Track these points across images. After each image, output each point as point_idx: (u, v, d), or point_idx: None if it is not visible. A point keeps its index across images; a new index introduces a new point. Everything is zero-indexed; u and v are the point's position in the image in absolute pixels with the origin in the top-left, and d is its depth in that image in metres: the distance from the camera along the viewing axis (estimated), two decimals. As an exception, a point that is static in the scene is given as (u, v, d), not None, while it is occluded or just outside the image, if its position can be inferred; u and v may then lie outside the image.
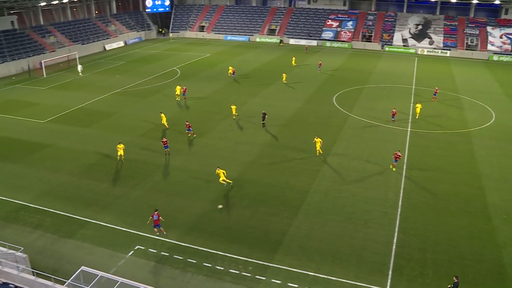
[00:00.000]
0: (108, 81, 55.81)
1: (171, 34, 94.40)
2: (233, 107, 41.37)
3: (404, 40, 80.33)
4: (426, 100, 47.18)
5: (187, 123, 36.62)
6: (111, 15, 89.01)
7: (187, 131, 36.73)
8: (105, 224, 24.54)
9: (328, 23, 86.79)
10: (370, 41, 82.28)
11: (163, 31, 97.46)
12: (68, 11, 79.76)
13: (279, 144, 35.68)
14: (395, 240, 23.18)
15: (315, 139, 33.19)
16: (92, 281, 17.08)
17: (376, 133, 38.13)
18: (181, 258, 21.69)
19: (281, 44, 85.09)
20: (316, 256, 21.85)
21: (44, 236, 23.52)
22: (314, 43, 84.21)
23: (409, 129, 39.13)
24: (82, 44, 75.25)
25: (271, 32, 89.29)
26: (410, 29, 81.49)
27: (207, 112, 43.55)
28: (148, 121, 40.68)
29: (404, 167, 31.60)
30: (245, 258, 21.68)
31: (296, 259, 21.61)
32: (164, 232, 23.47)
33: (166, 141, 33.12)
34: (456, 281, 18.82)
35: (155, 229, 23.33)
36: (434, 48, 77.65)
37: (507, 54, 73.51)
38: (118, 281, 16.95)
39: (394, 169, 30.86)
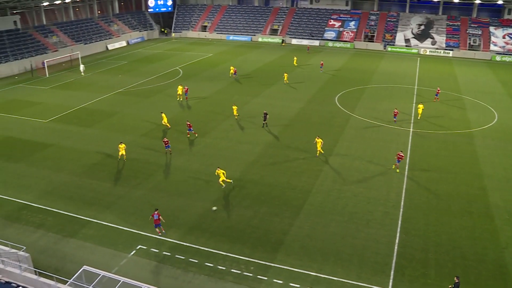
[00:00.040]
0: (110, 81, 55.91)
1: (173, 34, 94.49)
2: (234, 107, 41.38)
3: (407, 40, 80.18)
4: (428, 101, 47.08)
5: (188, 123, 36.63)
6: (114, 15, 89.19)
7: (187, 131, 36.76)
8: (107, 223, 24.59)
9: (330, 23, 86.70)
10: (373, 41, 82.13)
11: (165, 31, 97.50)
12: (70, 11, 79.97)
13: (281, 144, 35.67)
14: (397, 241, 23.16)
15: (316, 139, 33.15)
16: (94, 280, 17.12)
17: (378, 134, 38.09)
18: (182, 257, 21.71)
19: (283, 44, 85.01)
20: (318, 256, 21.84)
21: (46, 235, 23.60)
22: (316, 43, 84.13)
23: (411, 130, 39.07)
24: (85, 43, 75.44)
25: (273, 32, 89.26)
26: (412, 29, 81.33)
27: (209, 112, 43.57)
28: (150, 121, 40.73)
29: (406, 167, 31.54)
30: (246, 258, 21.68)
31: (298, 259, 21.61)
32: (163, 231, 23.51)
33: (167, 141, 33.16)
34: (457, 281, 18.77)
35: (157, 229, 23.37)
36: (437, 48, 77.47)
37: (509, 54, 73.25)
38: (120, 281, 16.99)
39: (397, 170, 30.78)
